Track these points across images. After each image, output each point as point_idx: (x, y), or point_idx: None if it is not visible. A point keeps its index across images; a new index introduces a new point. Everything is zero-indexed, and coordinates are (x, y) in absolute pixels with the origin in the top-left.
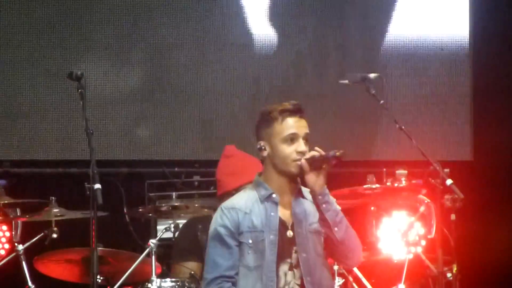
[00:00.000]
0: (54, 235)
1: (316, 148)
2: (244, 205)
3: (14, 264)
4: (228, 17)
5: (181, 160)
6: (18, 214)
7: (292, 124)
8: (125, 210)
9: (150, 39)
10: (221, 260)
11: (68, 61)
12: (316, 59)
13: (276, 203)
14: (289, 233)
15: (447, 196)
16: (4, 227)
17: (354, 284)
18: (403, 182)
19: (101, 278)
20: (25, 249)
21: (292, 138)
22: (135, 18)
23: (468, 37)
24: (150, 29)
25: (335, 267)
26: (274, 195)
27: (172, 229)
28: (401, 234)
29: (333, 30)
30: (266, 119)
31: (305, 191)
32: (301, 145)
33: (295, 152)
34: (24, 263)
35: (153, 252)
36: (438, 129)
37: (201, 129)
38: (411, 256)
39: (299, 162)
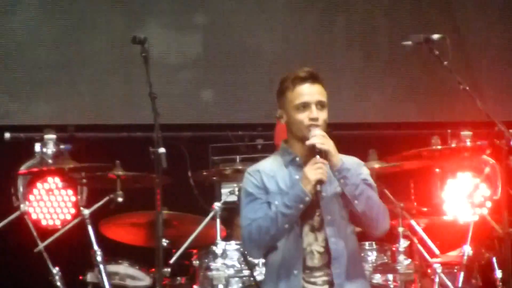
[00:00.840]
0: (120, 199)
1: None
2: (268, 168)
3: (80, 228)
4: None
5: (244, 124)
6: (83, 178)
7: (303, 92)
8: (189, 174)
9: (213, 3)
10: (257, 213)
11: (131, 26)
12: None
13: (299, 166)
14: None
15: None
16: (70, 192)
17: (419, 246)
18: (468, 143)
19: (166, 241)
20: (91, 213)
21: (304, 106)
22: None
23: None
24: None
25: (400, 229)
26: (297, 159)
27: (237, 192)
28: (466, 195)
29: None
30: (281, 88)
31: None
32: (313, 112)
33: (308, 118)
34: (89, 227)
35: (217, 215)
36: (503, 89)
37: (263, 92)
38: (476, 217)
39: (312, 129)
